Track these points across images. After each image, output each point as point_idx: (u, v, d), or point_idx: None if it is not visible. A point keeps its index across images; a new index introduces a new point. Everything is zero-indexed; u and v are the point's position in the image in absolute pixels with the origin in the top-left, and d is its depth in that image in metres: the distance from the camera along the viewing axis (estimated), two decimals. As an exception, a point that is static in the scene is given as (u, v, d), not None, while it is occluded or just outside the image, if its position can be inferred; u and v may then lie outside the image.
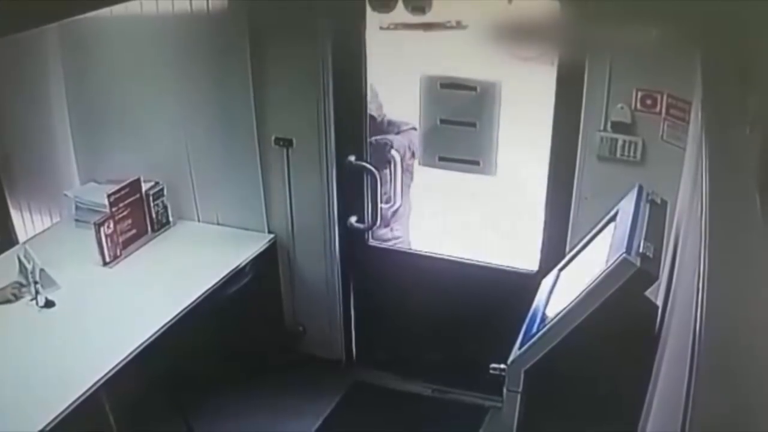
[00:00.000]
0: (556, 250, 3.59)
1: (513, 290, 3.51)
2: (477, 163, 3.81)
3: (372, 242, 4.21)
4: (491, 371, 2.53)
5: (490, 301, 3.88)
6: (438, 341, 4.18)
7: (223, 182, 4.09)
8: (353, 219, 4.11)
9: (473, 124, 3.74)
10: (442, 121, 3.79)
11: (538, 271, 3.69)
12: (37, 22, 2.30)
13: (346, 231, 4.12)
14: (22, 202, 4.16)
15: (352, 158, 3.97)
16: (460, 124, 3.76)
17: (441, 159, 3.88)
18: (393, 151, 4.11)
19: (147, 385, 3.40)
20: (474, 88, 3.71)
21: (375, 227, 4.16)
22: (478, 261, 4.04)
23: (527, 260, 3.91)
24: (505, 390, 2.42)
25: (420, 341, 4.20)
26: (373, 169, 3.97)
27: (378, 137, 4.14)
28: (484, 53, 3.74)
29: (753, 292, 1.30)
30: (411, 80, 3.85)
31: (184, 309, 3.41)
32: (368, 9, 3.70)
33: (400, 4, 3.61)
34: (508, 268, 3.96)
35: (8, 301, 3.38)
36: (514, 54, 4.20)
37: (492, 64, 3.90)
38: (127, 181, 3.86)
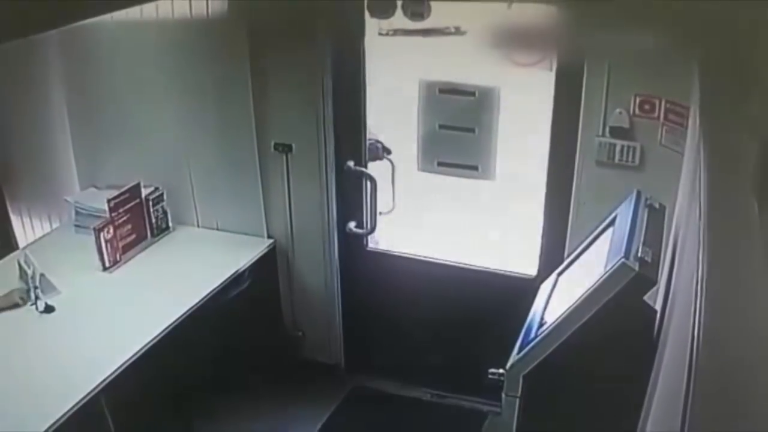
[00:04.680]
0: (554, 254, 3.60)
1: (512, 295, 3.52)
2: (476, 168, 3.82)
3: (371, 247, 4.21)
4: (490, 376, 2.53)
5: (489, 305, 3.88)
6: (437, 346, 4.17)
7: (223, 187, 4.10)
8: (352, 224, 4.12)
9: (472, 130, 3.75)
10: (441, 127, 3.80)
11: (536, 276, 3.69)
12: (37, 28, 2.31)
13: (345, 236, 4.13)
14: (22, 207, 4.17)
15: (351, 164, 3.97)
16: (458, 130, 3.77)
17: (440, 164, 3.89)
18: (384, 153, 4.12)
19: (146, 389, 3.39)
20: (473, 94, 3.72)
21: (374, 232, 4.17)
22: (476, 266, 4.04)
23: (526, 265, 3.91)
24: (503, 395, 2.42)
25: (419, 346, 4.20)
26: (372, 174, 3.98)
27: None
28: (483, 59, 3.75)
29: (751, 296, 1.30)
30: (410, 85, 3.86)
31: (183, 314, 3.42)
32: (367, 15, 3.71)
33: (399, 10, 3.62)
34: (506, 273, 3.96)
35: (16, 305, 3.38)
36: (512, 59, 4.20)
37: (491, 70, 3.91)
38: (127, 187, 3.86)
